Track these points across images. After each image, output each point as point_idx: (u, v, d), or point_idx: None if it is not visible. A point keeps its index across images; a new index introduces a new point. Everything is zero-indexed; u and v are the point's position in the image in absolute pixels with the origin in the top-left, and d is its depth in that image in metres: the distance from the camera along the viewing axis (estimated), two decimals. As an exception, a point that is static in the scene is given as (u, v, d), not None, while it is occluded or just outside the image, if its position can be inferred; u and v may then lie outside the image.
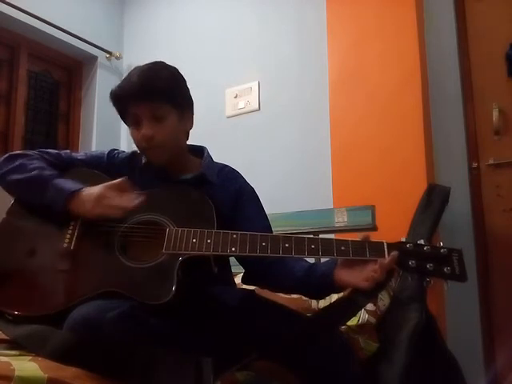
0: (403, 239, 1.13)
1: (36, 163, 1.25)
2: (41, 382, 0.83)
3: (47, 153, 1.34)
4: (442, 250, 1.09)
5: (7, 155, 1.30)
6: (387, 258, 1.08)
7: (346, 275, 1.12)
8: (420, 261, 1.08)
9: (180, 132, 1.33)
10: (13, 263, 1.18)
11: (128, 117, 1.31)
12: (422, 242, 1.11)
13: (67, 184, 1.20)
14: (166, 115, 1.27)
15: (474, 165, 2.16)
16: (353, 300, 1.18)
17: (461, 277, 1.07)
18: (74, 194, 1.17)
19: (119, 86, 1.30)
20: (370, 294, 1.18)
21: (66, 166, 1.33)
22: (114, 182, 1.20)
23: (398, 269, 1.12)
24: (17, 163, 1.26)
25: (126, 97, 1.27)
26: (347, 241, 1.12)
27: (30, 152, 1.31)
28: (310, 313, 1.51)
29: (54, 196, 1.18)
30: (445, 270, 1.07)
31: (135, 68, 1.30)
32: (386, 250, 1.10)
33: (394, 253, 1.08)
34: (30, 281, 1.15)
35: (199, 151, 1.41)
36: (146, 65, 1.30)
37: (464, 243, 2.10)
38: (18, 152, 1.31)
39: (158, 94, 1.25)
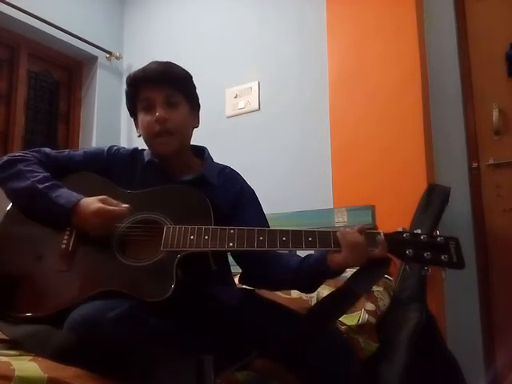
0: (400, 229, 1.13)
1: (33, 170, 1.24)
2: (41, 382, 0.83)
3: (45, 154, 1.33)
4: (438, 239, 1.10)
5: (6, 159, 1.28)
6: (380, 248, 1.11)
7: (339, 257, 1.12)
8: (417, 249, 1.09)
9: (189, 125, 1.36)
10: (11, 266, 1.18)
11: (139, 103, 1.32)
12: (418, 231, 1.12)
13: (62, 199, 1.18)
14: (179, 103, 1.31)
15: (474, 165, 2.16)
16: (349, 288, 1.18)
17: (458, 264, 1.08)
18: (73, 208, 1.17)
19: (136, 71, 1.33)
20: (366, 283, 1.19)
21: (63, 170, 1.32)
22: (112, 209, 1.17)
23: (396, 258, 1.13)
24: (15, 170, 1.24)
25: (143, 79, 1.30)
26: None
27: (29, 155, 1.29)
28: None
29: (52, 212, 1.18)
30: (442, 257, 1.08)
31: (153, 61, 1.35)
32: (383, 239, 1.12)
33: (380, 237, 1.11)
34: (28, 283, 1.15)
35: (200, 151, 1.42)
36: (164, 62, 1.35)
37: (464, 243, 2.07)
38: (17, 156, 1.29)
39: (174, 80, 1.30)
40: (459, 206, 2.10)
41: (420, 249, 1.09)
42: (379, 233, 1.13)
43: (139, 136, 1.36)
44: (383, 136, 2.24)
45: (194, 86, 1.38)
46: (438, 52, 2.27)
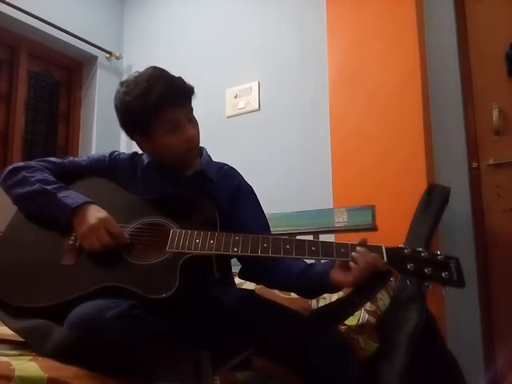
0: (402, 245, 1.13)
1: (38, 175, 1.26)
2: (41, 382, 0.83)
3: (51, 162, 1.35)
4: (439, 257, 1.10)
5: (10, 168, 1.31)
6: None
7: (341, 276, 1.12)
8: (418, 265, 1.09)
9: None
10: (19, 259, 1.19)
11: (161, 125, 1.25)
12: (420, 249, 1.12)
13: (69, 199, 1.21)
14: (194, 116, 1.33)
15: (474, 165, 2.16)
16: (349, 300, 1.18)
17: (459, 283, 1.08)
18: (78, 208, 1.19)
19: (148, 95, 1.23)
20: (365, 295, 1.19)
21: (71, 176, 1.34)
22: (117, 227, 1.19)
23: (397, 272, 1.12)
24: (19, 177, 1.27)
25: (165, 102, 1.23)
26: (347, 244, 1.13)
27: (33, 163, 1.32)
28: (310, 313, 1.52)
29: (57, 211, 1.20)
30: (443, 274, 1.08)
31: (151, 78, 1.25)
32: (384, 253, 1.11)
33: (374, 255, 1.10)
34: (34, 275, 1.16)
35: (198, 151, 1.42)
36: (160, 71, 1.29)
37: (464, 243, 2.10)
38: (21, 164, 1.32)
39: (189, 95, 1.31)
40: (459, 206, 2.10)
41: (421, 264, 1.09)
42: (381, 247, 1.13)
43: (144, 151, 1.36)
44: (383, 136, 2.24)
45: None
46: (438, 52, 2.27)
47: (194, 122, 1.32)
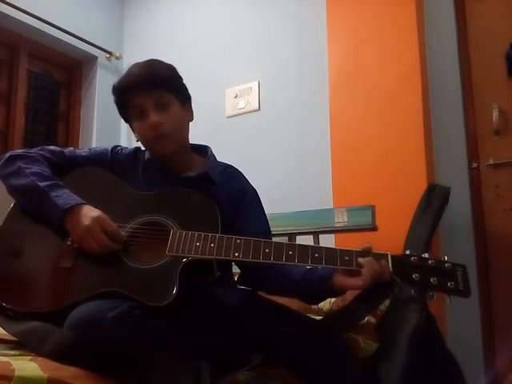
0: (407, 252, 1.12)
1: (34, 167, 1.23)
2: (41, 382, 0.83)
3: (50, 151, 1.33)
4: (446, 265, 1.07)
5: (8, 155, 1.28)
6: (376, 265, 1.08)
7: (345, 279, 1.11)
8: (424, 274, 1.07)
9: (183, 122, 1.35)
10: (16, 260, 1.18)
11: (131, 110, 1.30)
12: (426, 255, 1.10)
13: (61, 199, 1.17)
14: (170, 103, 1.30)
15: (474, 165, 2.16)
16: (352, 310, 1.17)
17: (464, 292, 1.05)
18: (69, 210, 1.16)
19: (121, 79, 1.31)
20: (369, 305, 1.18)
21: (70, 166, 1.32)
22: (112, 225, 1.17)
23: (402, 282, 1.11)
24: (15, 166, 1.24)
25: (129, 87, 1.28)
26: (351, 251, 1.11)
27: (32, 151, 1.29)
28: (311, 313, 1.51)
29: (48, 211, 1.18)
30: (449, 284, 1.05)
31: (134, 64, 1.33)
32: (390, 261, 1.10)
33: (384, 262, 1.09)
34: (32, 277, 1.15)
35: (203, 150, 1.41)
36: (145, 60, 1.33)
37: (464, 243, 2.10)
38: (19, 152, 1.28)
39: (160, 81, 1.29)
40: (459, 206, 2.10)
41: (427, 274, 1.07)
42: (386, 255, 1.11)
43: (137, 141, 1.35)
44: (383, 136, 2.24)
45: (180, 78, 1.36)
46: (438, 52, 2.27)
47: (164, 110, 1.28)
